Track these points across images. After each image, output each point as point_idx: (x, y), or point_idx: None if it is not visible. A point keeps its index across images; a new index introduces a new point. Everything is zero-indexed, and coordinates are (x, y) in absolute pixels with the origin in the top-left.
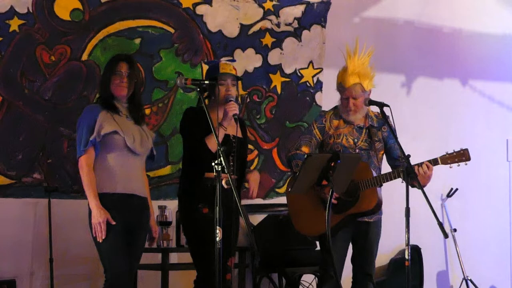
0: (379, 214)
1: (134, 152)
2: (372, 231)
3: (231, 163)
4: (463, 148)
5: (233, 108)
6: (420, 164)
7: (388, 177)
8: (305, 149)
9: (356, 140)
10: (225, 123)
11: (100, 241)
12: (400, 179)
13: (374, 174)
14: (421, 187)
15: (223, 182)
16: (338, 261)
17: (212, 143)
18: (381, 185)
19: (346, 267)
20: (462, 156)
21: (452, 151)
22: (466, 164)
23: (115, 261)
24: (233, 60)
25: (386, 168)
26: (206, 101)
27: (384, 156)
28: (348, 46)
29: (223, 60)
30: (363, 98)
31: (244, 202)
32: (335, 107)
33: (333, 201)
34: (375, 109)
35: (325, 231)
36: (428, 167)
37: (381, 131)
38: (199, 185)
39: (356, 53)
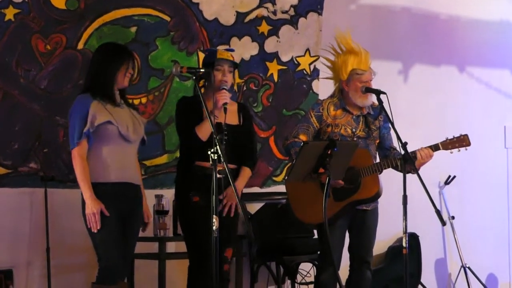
0: (375, 202)
1: (127, 140)
2: (370, 219)
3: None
4: (463, 133)
5: (224, 97)
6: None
7: (389, 163)
8: (302, 137)
9: (354, 129)
10: (216, 112)
11: (95, 232)
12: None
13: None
14: (417, 171)
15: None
16: (337, 249)
17: (202, 132)
18: (381, 172)
19: (344, 254)
20: (462, 141)
21: (452, 137)
22: (466, 149)
23: (109, 250)
24: (232, 50)
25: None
26: (202, 89)
27: None
28: (339, 31)
29: (221, 48)
30: None
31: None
32: (332, 96)
33: (339, 183)
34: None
35: (328, 218)
36: (428, 151)
37: (378, 120)
38: (191, 174)
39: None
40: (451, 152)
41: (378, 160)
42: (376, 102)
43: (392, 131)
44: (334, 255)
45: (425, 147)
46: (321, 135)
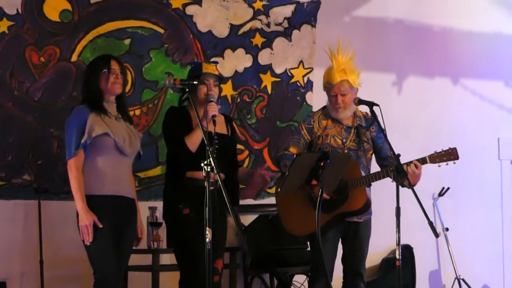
0: (368, 214)
1: (123, 153)
2: (362, 231)
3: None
4: (452, 147)
5: (213, 109)
6: (408, 164)
7: (377, 176)
8: (293, 150)
9: (344, 140)
10: (204, 123)
11: (88, 244)
12: (390, 179)
13: (363, 174)
14: (411, 186)
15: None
16: (329, 261)
17: (192, 143)
18: (369, 185)
19: (337, 266)
20: (450, 155)
21: (441, 150)
22: (454, 163)
23: (103, 262)
24: (215, 62)
25: (375, 168)
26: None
27: (373, 156)
28: (330, 46)
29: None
30: (351, 94)
31: None
32: (324, 107)
33: (325, 196)
34: (363, 108)
35: (315, 231)
36: (416, 166)
37: (370, 131)
38: (181, 185)
39: (339, 52)
40: (439, 166)
41: (371, 171)
42: (370, 114)
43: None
44: (326, 267)
45: (414, 161)
46: (312, 148)
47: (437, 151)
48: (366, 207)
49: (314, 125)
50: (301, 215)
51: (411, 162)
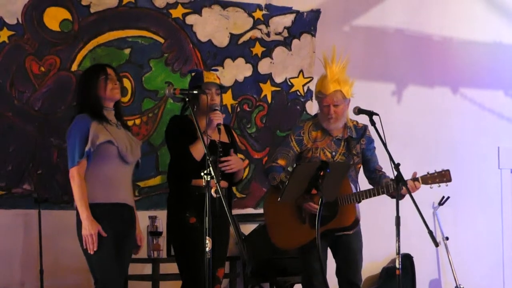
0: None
1: (125, 161)
2: (354, 242)
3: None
4: (445, 169)
5: (217, 118)
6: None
7: (368, 194)
8: (281, 162)
9: (334, 153)
10: (209, 132)
11: (92, 253)
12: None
13: (353, 189)
14: (410, 195)
15: (212, 191)
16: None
17: (196, 152)
18: (360, 202)
19: (333, 279)
20: (443, 176)
21: (434, 171)
22: (446, 185)
23: (105, 272)
24: (215, 70)
25: (363, 180)
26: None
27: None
28: (325, 54)
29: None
30: (344, 105)
31: (235, 211)
32: (315, 116)
33: (314, 207)
34: (354, 119)
35: (303, 244)
36: (415, 185)
37: (360, 143)
38: (187, 194)
39: (333, 61)
40: (431, 187)
41: (359, 183)
42: (361, 123)
43: (377, 152)
44: (316, 278)
45: (409, 180)
46: (302, 160)
47: (430, 172)
48: (355, 224)
49: (303, 137)
50: (289, 229)
51: (408, 180)
